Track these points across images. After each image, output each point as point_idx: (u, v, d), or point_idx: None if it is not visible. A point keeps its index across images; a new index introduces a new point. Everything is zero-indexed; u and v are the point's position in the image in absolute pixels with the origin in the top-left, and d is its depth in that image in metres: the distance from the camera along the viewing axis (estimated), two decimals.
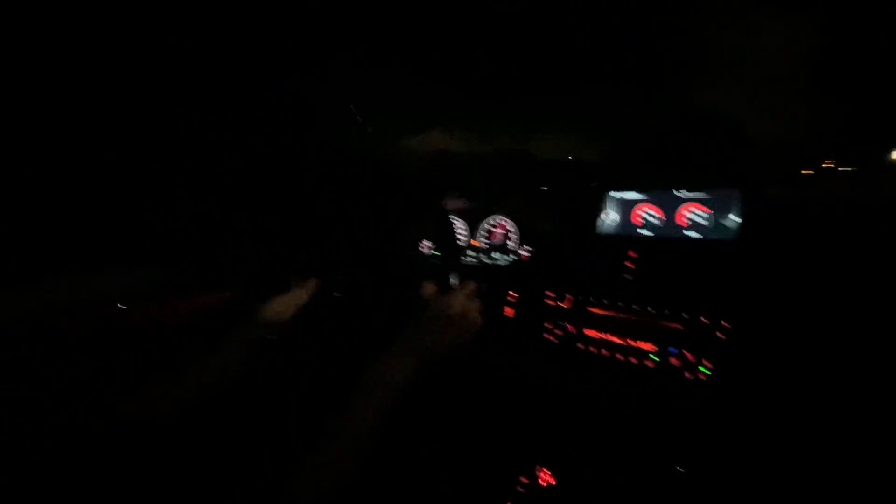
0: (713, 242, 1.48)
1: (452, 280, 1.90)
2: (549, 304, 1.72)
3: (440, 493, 1.45)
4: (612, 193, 1.76)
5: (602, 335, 1.55)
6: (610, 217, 1.75)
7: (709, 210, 1.53)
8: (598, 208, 1.78)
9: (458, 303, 1.19)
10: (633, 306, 1.51)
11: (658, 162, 1.81)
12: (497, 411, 1.65)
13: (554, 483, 1.41)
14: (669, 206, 1.62)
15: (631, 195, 1.71)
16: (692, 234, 1.55)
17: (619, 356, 1.49)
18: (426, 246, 2.29)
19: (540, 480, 1.42)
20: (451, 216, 2.28)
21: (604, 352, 1.53)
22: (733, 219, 1.47)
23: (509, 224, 2.07)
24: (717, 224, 1.50)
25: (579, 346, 1.59)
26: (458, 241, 2.23)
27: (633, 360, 1.45)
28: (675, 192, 1.61)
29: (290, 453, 0.96)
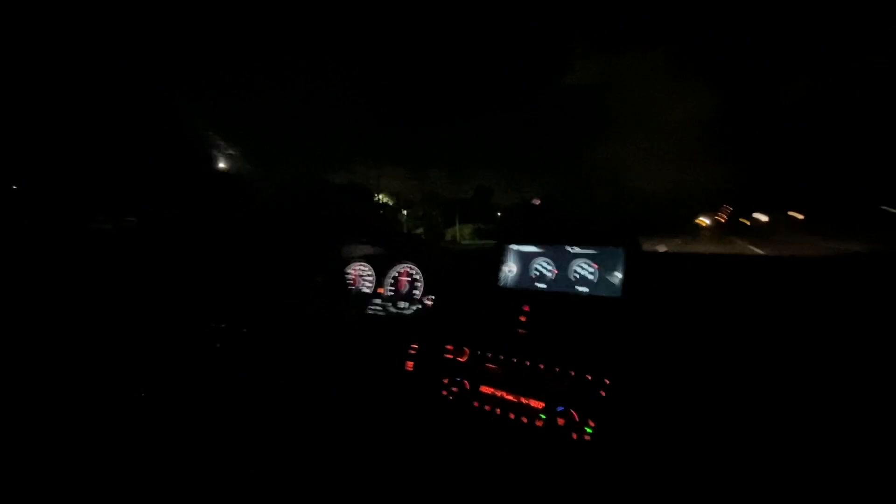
0: (599, 298, 1.53)
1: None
2: (447, 359, 1.67)
3: None
4: (512, 246, 1.79)
5: (496, 392, 1.51)
6: (510, 269, 1.77)
7: (596, 265, 1.59)
8: (500, 260, 1.79)
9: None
10: (526, 362, 1.50)
11: (554, 219, 1.88)
12: (395, 467, 1.55)
13: None
14: (563, 260, 1.66)
15: (529, 248, 1.75)
16: (581, 288, 1.59)
17: (511, 415, 1.45)
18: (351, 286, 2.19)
19: None
20: (358, 263, 2.20)
21: (497, 410, 1.48)
22: (617, 275, 1.53)
23: (416, 272, 2.03)
24: (602, 279, 1.56)
25: (475, 403, 1.54)
26: (363, 289, 2.14)
27: (524, 420, 1.42)
28: (567, 248, 1.66)
29: None
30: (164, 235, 2.33)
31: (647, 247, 1.59)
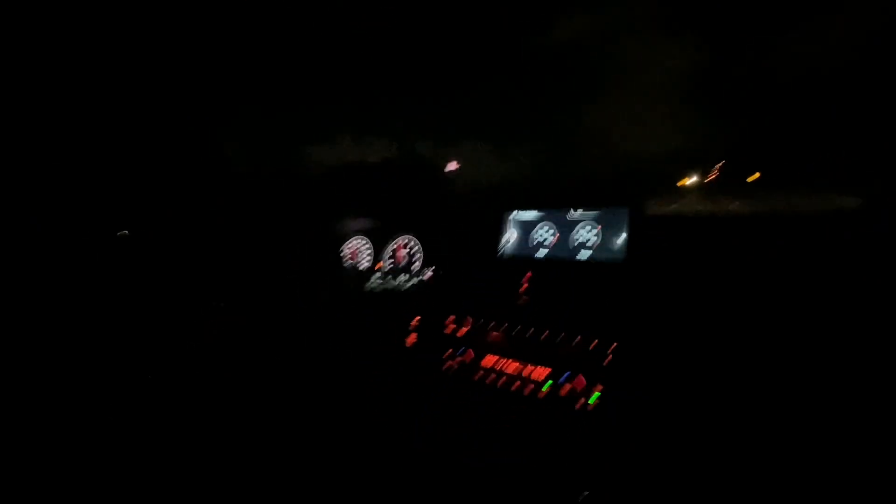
0: (602, 263, 1.48)
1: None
2: (449, 332, 1.63)
3: None
4: (512, 214, 1.73)
5: (499, 362, 1.49)
6: (510, 238, 1.72)
7: (598, 227, 1.53)
8: (499, 229, 1.74)
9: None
10: (530, 329, 1.47)
11: (554, 182, 1.82)
12: (398, 443, 1.54)
13: None
14: (564, 226, 1.61)
15: (529, 215, 1.69)
16: (583, 253, 1.54)
17: (514, 386, 1.42)
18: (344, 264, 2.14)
19: None
20: (356, 237, 2.15)
21: (500, 382, 1.46)
22: (620, 237, 1.48)
23: (414, 243, 1.98)
24: (605, 243, 1.51)
25: (478, 375, 1.51)
26: (362, 264, 2.09)
27: (527, 391, 1.39)
28: (570, 212, 1.61)
29: None
30: (154, 224, 2.28)
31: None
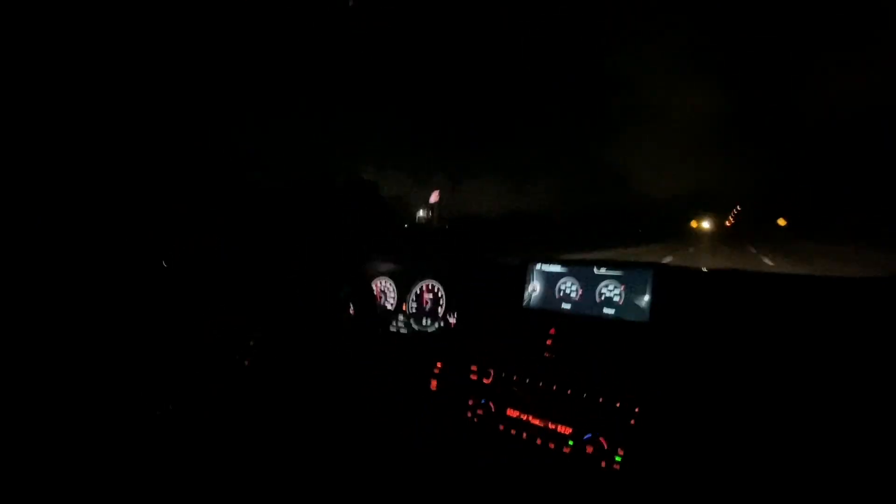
0: (626, 322, 1.51)
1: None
2: (472, 380, 1.67)
3: None
4: (537, 266, 1.78)
5: (522, 415, 1.51)
6: (535, 289, 1.76)
7: (622, 286, 1.57)
8: (524, 280, 1.78)
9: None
10: (553, 387, 1.49)
11: (580, 239, 1.87)
12: (419, 488, 1.56)
13: None
14: (588, 281, 1.65)
15: (554, 268, 1.74)
16: (608, 310, 1.57)
17: (538, 440, 1.44)
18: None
19: None
20: (381, 278, 2.22)
21: (524, 435, 1.48)
22: (644, 298, 1.51)
23: (438, 288, 2.04)
24: (629, 301, 1.54)
25: (500, 426, 1.54)
26: (386, 306, 2.15)
27: (552, 446, 1.41)
28: (595, 269, 1.64)
29: None
30: (179, 248, 2.36)
31: (651, 257, 1.56)
